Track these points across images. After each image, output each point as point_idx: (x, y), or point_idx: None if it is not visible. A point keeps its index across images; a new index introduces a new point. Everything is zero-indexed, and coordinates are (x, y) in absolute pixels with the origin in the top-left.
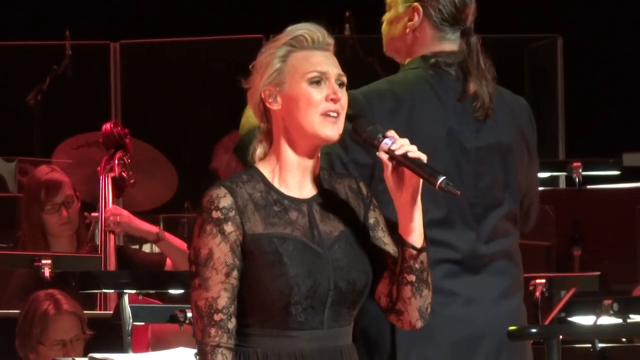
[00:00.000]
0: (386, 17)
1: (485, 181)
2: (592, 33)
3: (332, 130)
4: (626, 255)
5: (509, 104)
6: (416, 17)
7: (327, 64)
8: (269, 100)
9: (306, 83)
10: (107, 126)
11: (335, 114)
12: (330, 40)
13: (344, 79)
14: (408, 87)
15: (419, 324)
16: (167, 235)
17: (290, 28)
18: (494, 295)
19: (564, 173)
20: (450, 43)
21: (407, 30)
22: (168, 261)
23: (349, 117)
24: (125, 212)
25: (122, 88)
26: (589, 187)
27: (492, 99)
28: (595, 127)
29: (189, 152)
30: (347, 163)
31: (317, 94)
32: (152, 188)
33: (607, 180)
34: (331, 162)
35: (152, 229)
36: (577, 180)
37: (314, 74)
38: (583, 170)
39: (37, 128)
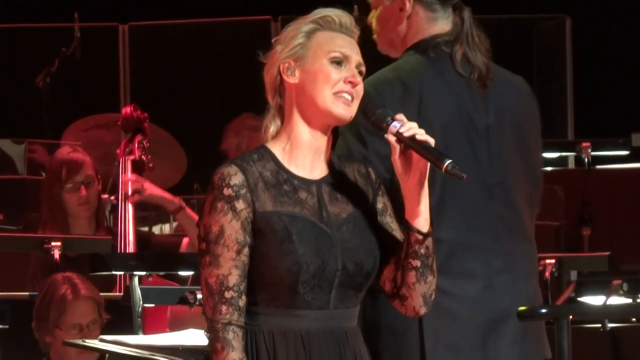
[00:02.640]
0: (373, 15)
1: (500, 160)
2: (600, 13)
3: (345, 110)
4: (635, 235)
5: (513, 83)
6: (407, 4)
7: (351, 49)
8: (287, 73)
9: (327, 60)
10: (126, 109)
11: (349, 97)
12: (357, 30)
13: (363, 69)
14: (414, 73)
15: (423, 310)
16: (187, 208)
17: (319, 9)
18: (516, 278)
19: (573, 153)
20: (444, 21)
21: (402, 20)
22: (184, 242)
23: (362, 106)
24: (147, 181)
25: (131, 70)
26: (598, 167)
27: (488, 70)
28: (604, 107)
29: (198, 133)
30: (369, 157)
31: (336, 74)
32: (161, 170)
33: (616, 160)
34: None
35: (173, 198)
36: (586, 160)
37: (337, 54)
38: (592, 151)
39: (46, 110)
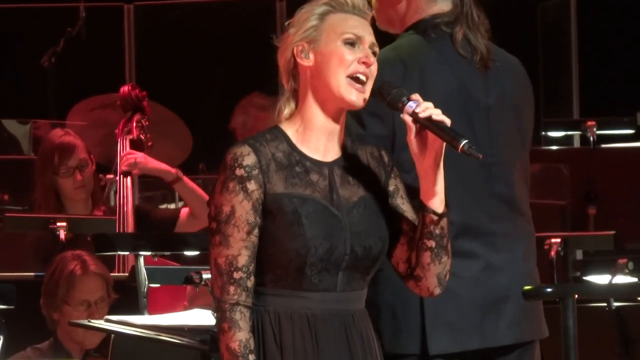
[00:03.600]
0: None
1: (500, 139)
2: None
3: (357, 97)
4: None
5: (511, 63)
6: None
7: (364, 29)
8: (301, 56)
9: (341, 42)
10: (125, 88)
11: (364, 77)
12: (369, 10)
13: (377, 49)
14: (414, 52)
15: (437, 291)
16: (186, 178)
17: None
18: (515, 257)
19: (579, 132)
20: (444, 1)
21: None
22: (182, 213)
23: (378, 85)
24: (141, 153)
25: (136, 50)
26: (603, 145)
27: (489, 51)
28: (609, 85)
29: (203, 113)
30: (364, 136)
31: (350, 55)
32: (166, 149)
33: (622, 138)
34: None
35: (170, 169)
36: (591, 139)
37: (350, 35)
38: (597, 129)
39: (52, 90)
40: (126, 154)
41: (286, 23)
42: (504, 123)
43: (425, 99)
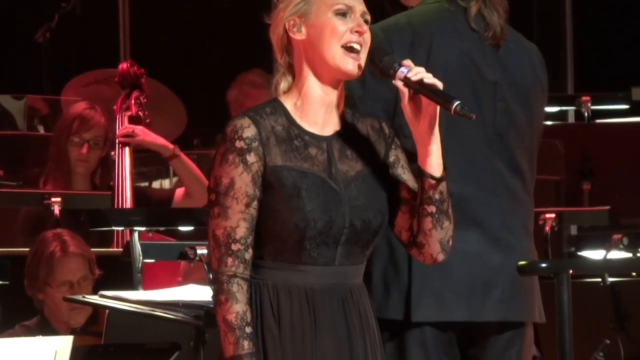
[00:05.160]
0: None
1: (504, 116)
2: None
3: (353, 66)
4: (636, 189)
5: (524, 45)
6: None
7: None
8: (293, 30)
9: (332, 13)
10: (123, 65)
11: (358, 46)
12: None
13: (368, 17)
14: (427, 21)
15: (441, 257)
16: (183, 155)
17: None
18: (512, 235)
19: (573, 107)
20: None
21: None
22: (176, 193)
23: (369, 53)
24: (139, 127)
25: (131, 25)
26: (598, 121)
27: (503, 31)
28: (603, 60)
29: (198, 89)
30: (362, 98)
31: (342, 26)
32: (161, 125)
33: (616, 114)
34: (348, 98)
35: (168, 144)
36: (586, 114)
37: (340, 5)
38: (592, 105)
39: (46, 66)
40: (124, 128)
41: (275, 0)
42: (509, 100)
43: (432, 68)
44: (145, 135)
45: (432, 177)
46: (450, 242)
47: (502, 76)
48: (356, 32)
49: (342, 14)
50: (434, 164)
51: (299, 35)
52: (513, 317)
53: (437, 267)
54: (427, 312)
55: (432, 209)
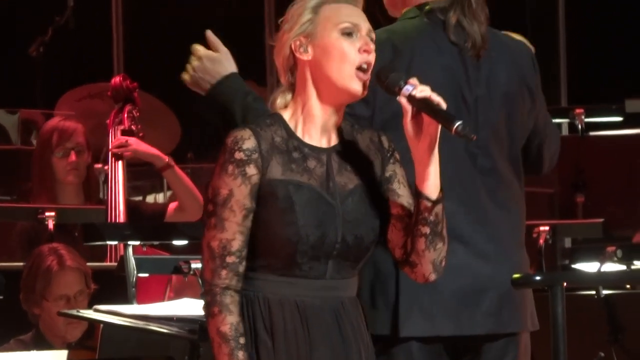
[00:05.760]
0: None
1: (486, 131)
2: None
3: (359, 86)
4: (629, 201)
5: (509, 48)
6: None
7: (359, 17)
8: (300, 50)
9: (338, 33)
10: (116, 79)
11: (366, 66)
12: None
13: (374, 36)
14: (406, 37)
15: (433, 277)
16: (177, 168)
17: None
18: (500, 248)
19: (567, 120)
20: None
21: None
22: (169, 208)
23: (374, 74)
24: (133, 138)
25: (125, 39)
26: (591, 133)
27: (484, 40)
28: (597, 73)
29: (191, 102)
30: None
31: (350, 47)
32: (155, 139)
33: (610, 126)
34: None
35: (162, 155)
36: (579, 126)
37: (347, 24)
38: (585, 117)
39: (40, 80)
40: (117, 140)
41: (279, 21)
42: (493, 114)
43: None
44: (139, 145)
45: (428, 199)
46: (443, 263)
47: (484, 89)
48: (365, 51)
49: (349, 33)
50: (432, 185)
51: (305, 56)
52: (502, 329)
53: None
54: (415, 327)
55: (426, 230)
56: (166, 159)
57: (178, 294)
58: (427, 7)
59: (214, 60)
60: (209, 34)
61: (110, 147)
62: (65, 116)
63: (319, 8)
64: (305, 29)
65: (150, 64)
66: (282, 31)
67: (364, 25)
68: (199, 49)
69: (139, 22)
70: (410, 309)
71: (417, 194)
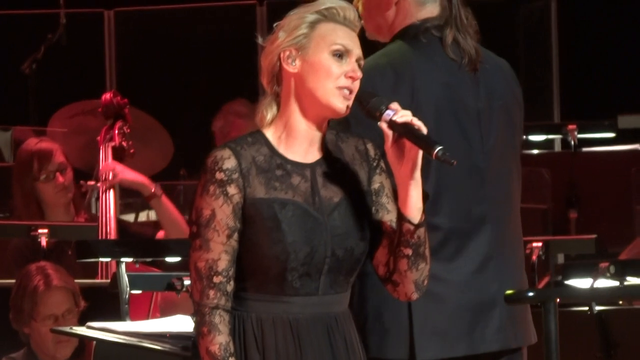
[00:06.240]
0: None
1: (490, 143)
2: None
3: (343, 104)
4: (622, 217)
5: (499, 65)
6: None
7: (353, 42)
8: (288, 61)
9: (329, 54)
10: (106, 96)
11: (348, 92)
12: (359, 23)
13: (362, 62)
14: (405, 59)
15: (415, 296)
16: (164, 197)
17: (322, 0)
18: (505, 264)
19: (559, 136)
20: (432, 5)
21: (390, 5)
22: (158, 235)
23: (356, 99)
24: (120, 166)
25: (117, 56)
26: (584, 149)
27: (478, 53)
28: (590, 89)
29: (184, 119)
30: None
31: (337, 68)
32: (147, 156)
33: (603, 142)
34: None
35: (149, 183)
36: (572, 142)
37: (339, 46)
38: (578, 133)
39: (33, 97)
40: (104, 168)
41: (274, 25)
42: (495, 126)
43: (417, 105)
44: (124, 174)
45: (411, 223)
46: (426, 282)
47: (484, 102)
48: (350, 77)
49: (339, 55)
50: (414, 208)
51: (292, 68)
52: (513, 344)
53: (434, 301)
54: (431, 350)
55: (408, 251)
56: (152, 187)
57: (163, 313)
58: (422, 28)
59: None
60: None
61: (100, 179)
62: (39, 138)
63: (316, 24)
64: (299, 41)
65: (143, 81)
66: (275, 36)
67: (356, 51)
68: None
69: (131, 39)
70: (424, 332)
71: (399, 217)
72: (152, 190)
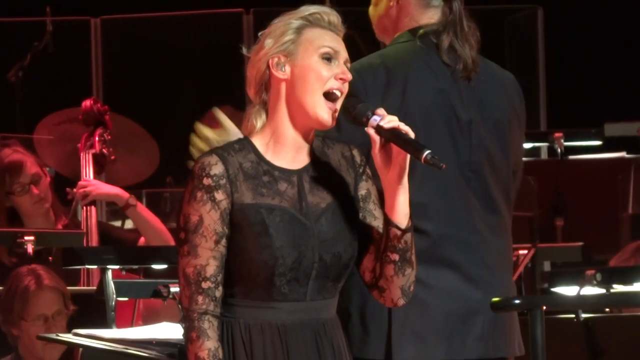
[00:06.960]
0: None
1: (479, 154)
2: (572, 3)
3: (329, 115)
4: (609, 225)
5: (498, 76)
6: None
7: (339, 45)
8: (277, 68)
9: (318, 57)
10: (86, 103)
11: (339, 93)
12: (343, 28)
13: (349, 65)
14: (400, 61)
15: (401, 302)
16: (140, 206)
17: (306, 6)
18: (491, 271)
19: (546, 143)
20: (434, 10)
21: (391, 4)
22: (140, 241)
23: (342, 106)
24: (93, 181)
25: (103, 63)
26: (570, 157)
27: (475, 63)
28: (576, 97)
29: (170, 127)
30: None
31: (327, 71)
32: (134, 163)
33: (589, 150)
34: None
35: (123, 194)
36: (559, 150)
37: (327, 49)
38: (565, 141)
39: (19, 104)
40: (79, 186)
41: (259, 34)
42: (485, 138)
43: (407, 108)
44: (98, 189)
45: (398, 228)
46: (412, 288)
47: (477, 112)
48: (340, 79)
49: (328, 58)
50: (401, 214)
51: (282, 74)
52: (493, 354)
53: (416, 306)
54: (408, 352)
55: (395, 257)
56: (126, 197)
57: (145, 321)
58: (421, 31)
59: (222, 139)
60: (216, 111)
61: (80, 200)
62: (11, 149)
63: (302, 30)
64: (286, 47)
65: (129, 88)
66: (261, 45)
67: (343, 53)
68: (202, 129)
69: (117, 46)
70: (403, 333)
71: (386, 222)
72: (127, 200)
